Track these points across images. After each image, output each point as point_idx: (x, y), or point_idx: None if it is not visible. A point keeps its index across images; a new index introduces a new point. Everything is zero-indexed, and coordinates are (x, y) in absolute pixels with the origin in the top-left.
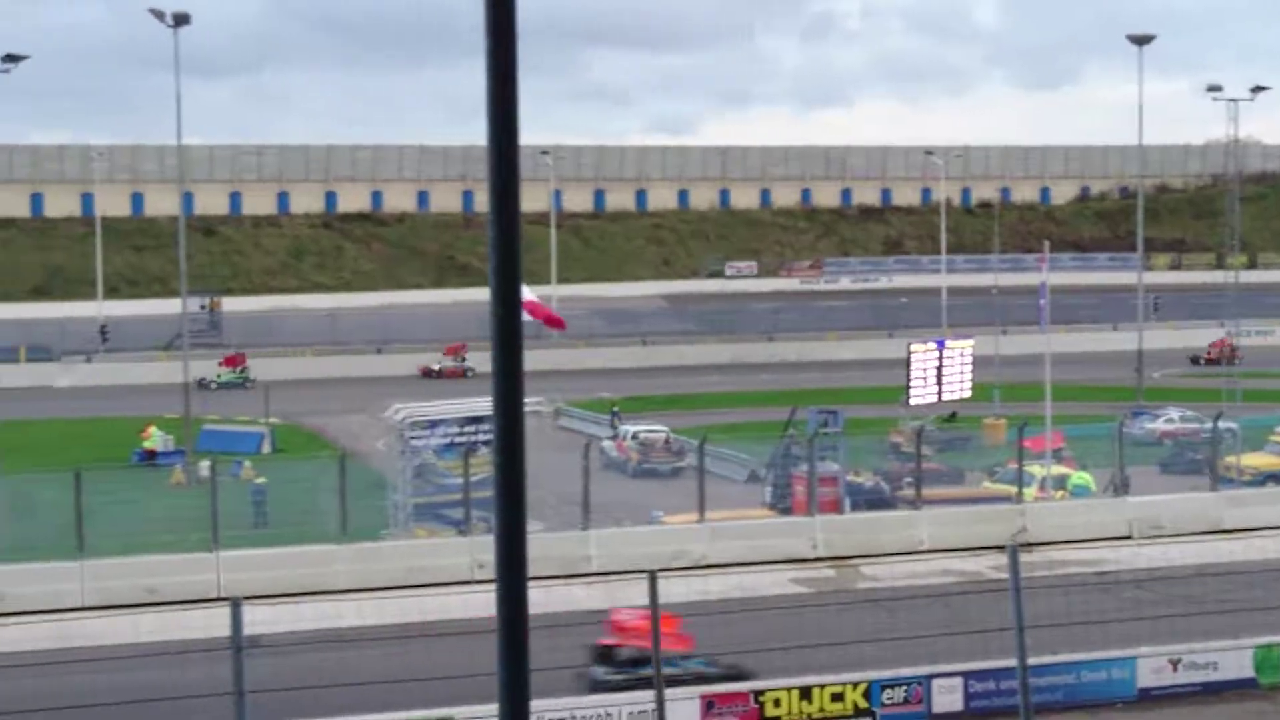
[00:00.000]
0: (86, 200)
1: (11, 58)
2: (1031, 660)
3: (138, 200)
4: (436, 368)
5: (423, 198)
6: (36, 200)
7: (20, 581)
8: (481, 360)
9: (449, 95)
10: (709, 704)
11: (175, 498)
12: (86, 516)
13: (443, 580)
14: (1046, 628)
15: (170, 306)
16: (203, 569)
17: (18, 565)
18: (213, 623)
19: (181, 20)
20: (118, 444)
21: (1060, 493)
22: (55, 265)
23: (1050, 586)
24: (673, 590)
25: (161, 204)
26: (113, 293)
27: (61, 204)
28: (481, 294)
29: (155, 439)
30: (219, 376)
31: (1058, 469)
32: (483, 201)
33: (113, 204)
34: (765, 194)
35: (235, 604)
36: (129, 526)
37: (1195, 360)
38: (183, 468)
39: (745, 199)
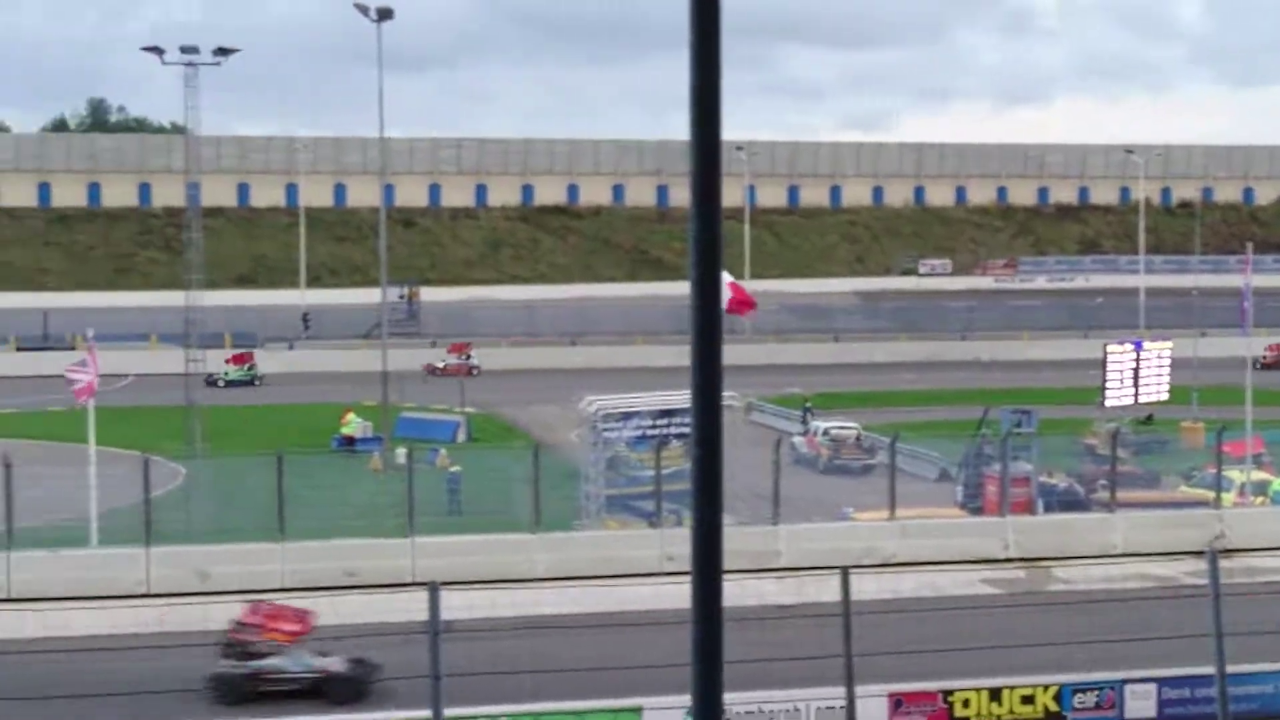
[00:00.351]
0: (291, 191)
1: (222, 51)
2: (1229, 669)
3: (340, 191)
4: (441, 365)
5: (618, 191)
6: (243, 190)
7: (224, 561)
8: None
9: (644, 89)
10: (897, 702)
11: (373, 483)
12: (287, 500)
13: (633, 571)
14: (1245, 636)
15: (370, 296)
16: (398, 554)
17: (222, 546)
18: (409, 606)
19: (385, 15)
20: (318, 430)
21: (1260, 499)
22: (260, 254)
23: (1249, 594)
24: (864, 587)
25: (363, 195)
26: (315, 282)
27: (267, 194)
28: (674, 288)
29: (354, 425)
30: (226, 374)
31: (1258, 474)
32: (677, 196)
33: (316, 195)
34: (960, 191)
35: (433, 589)
36: (328, 510)
37: None
38: (380, 454)
39: (940, 196)
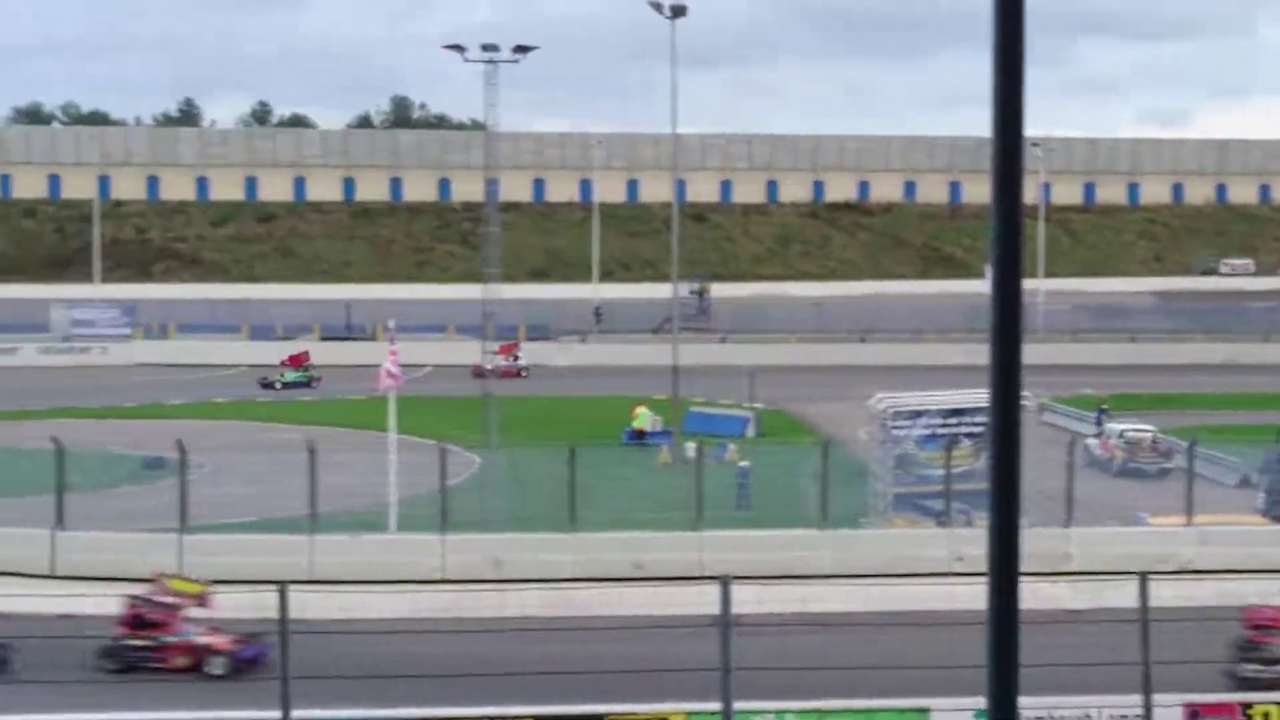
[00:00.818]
0: (585, 186)
1: (521, 49)
2: None
3: (633, 187)
4: (489, 367)
5: (909, 188)
6: (539, 186)
7: (517, 550)
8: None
9: (935, 85)
10: (1194, 713)
11: (662, 477)
12: (579, 491)
13: (920, 571)
14: None
15: (661, 291)
16: (686, 547)
17: (515, 535)
18: (696, 600)
19: (679, 12)
20: (609, 422)
21: None
22: (554, 249)
23: None
24: (1160, 594)
25: (655, 191)
26: (607, 276)
27: (562, 190)
28: (966, 286)
29: (644, 419)
30: (283, 376)
31: None
32: (970, 193)
33: (610, 190)
34: (1265, 189)
35: (724, 583)
36: (618, 502)
37: None
38: (670, 448)
39: (1243, 194)
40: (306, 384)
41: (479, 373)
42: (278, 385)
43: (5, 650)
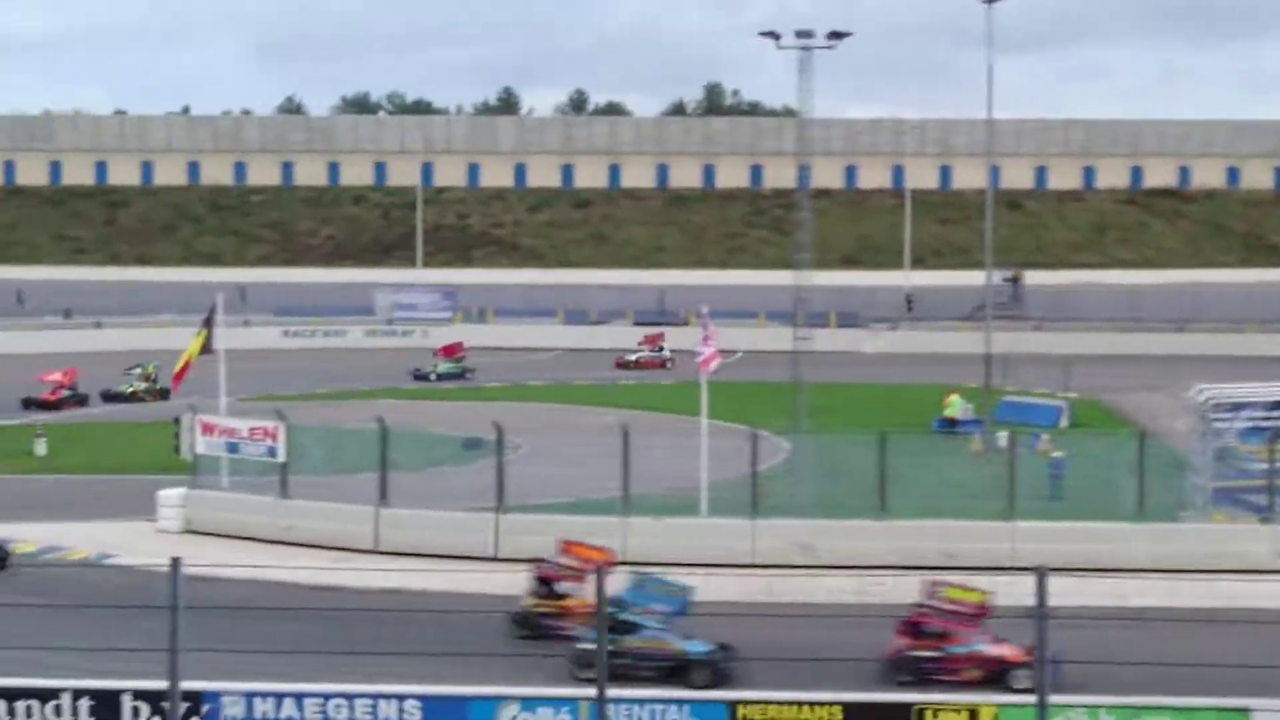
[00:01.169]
0: (897, 173)
1: (836, 35)
2: None
3: (945, 173)
4: (633, 358)
5: (1232, 174)
6: (850, 173)
7: (827, 536)
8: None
9: (1259, 68)
10: None
11: (973, 466)
12: (889, 479)
13: (1240, 567)
14: None
15: (973, 278)
16: (998, 537)
17: (825, 521)
18: (1008, 590)
19: None
20: (919, 410)
21: None
22: (865, 235)
23: None
24: None
25: (968, 177)
26: (918, 263)
27: (873, 176)
28: None
29: (956, 407)
30: (436, 367)
31: None
32: None
33: (921, 176)
34: None
35: (1041, 573)
36: (928, 491)
37: None
38: (981, 437)
39: None
40: (460, 375)
41: (622, 364)
42: (432, 377)
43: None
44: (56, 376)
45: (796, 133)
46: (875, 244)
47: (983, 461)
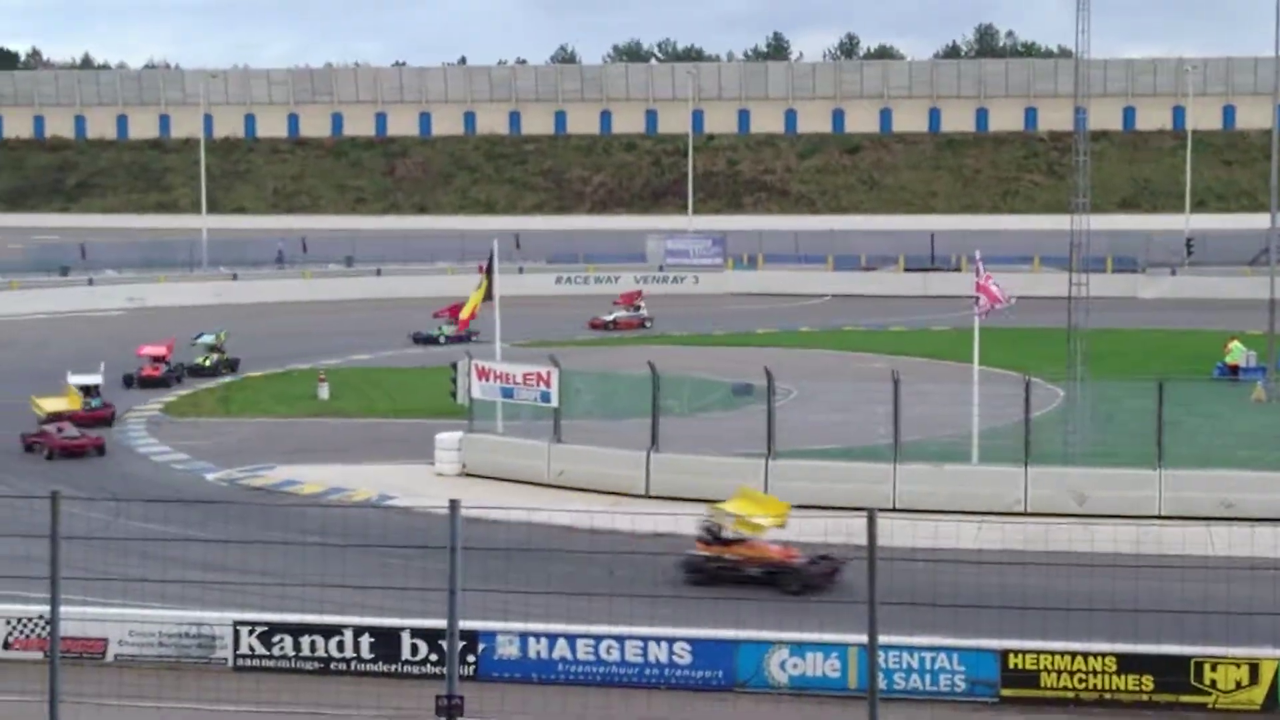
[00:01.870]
0: (1178, 113)
1: None
2: None
3: (1229, 113)
4: (610, 318)
5: None
6: (1129, 114)
7: (1101, 485)
8: None
9: None
10: None
11: (1255, 414)
12: (1167, 427)
13: None
14: None
15: (1257, 222)
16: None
17: (1098, 469)
18: None
19: None
20: (1199, 357)
21: None
22: (1144, 178)
23: None
24: None
25: (1253, 117)
26: (1199, 206)
27: (1153, 117)
28: None
29: (1237, 354)
30: (442, 329)
31: None
32: None
33: (1204, 117)
34: None
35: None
36: (1207, 440)
37: None
38: (1264, 384)
39: None
40: (466, 339)
41: (598, 325)
42: (441, 340)
43: None
44: (159, 351)
45: (1073, 74)
46: (1154, 187)
47: (1265, 410)
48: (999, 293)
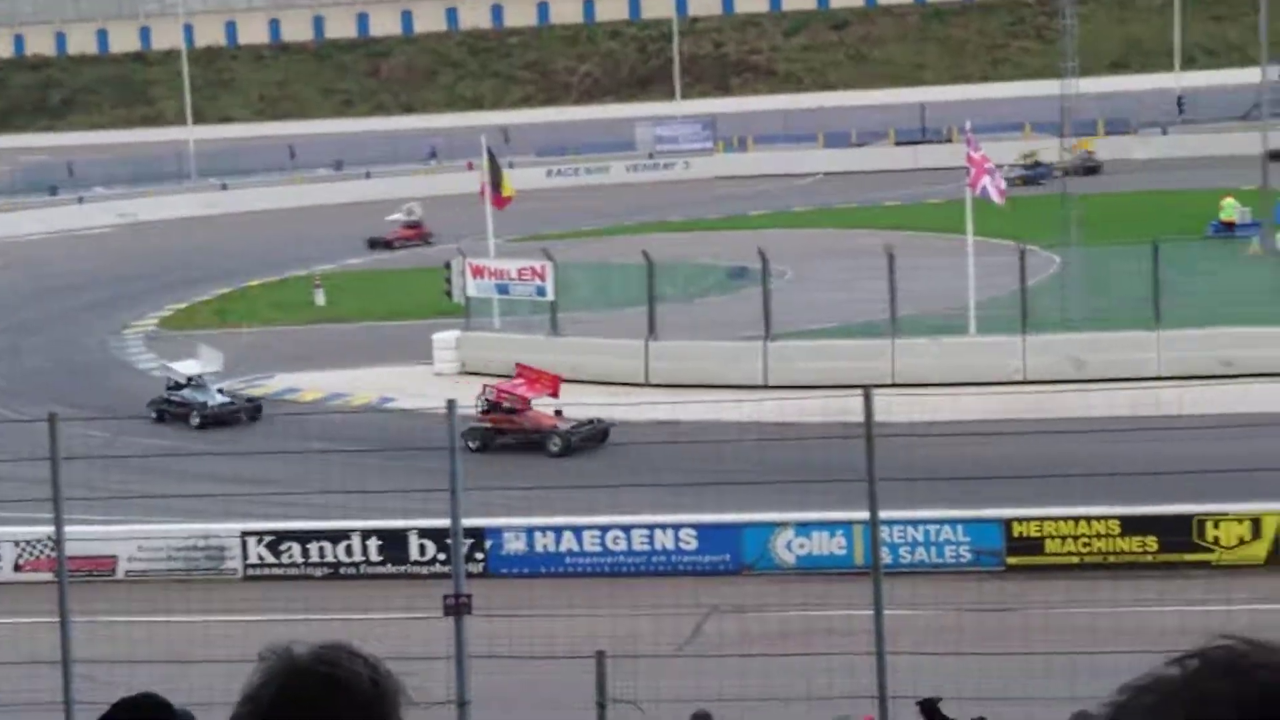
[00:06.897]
0: None
1: None
2: None
3: None
4: (389, 235)
5: None
6: None
7: (1098, 350)
8: None
9: None
10: None
11: (1251, 269)
12: (1162, 288)
13: None
14: None
15: (1248, 76)
16: (1277, 343)
17: (1096, 334)
18: None
19: None
20: (1193, 216)
21: None
22: (1134, 37)
23: None
24: None
25: None
26: (1189, 64)
27: None
28: None
29: (1231, 210)
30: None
31: None
32: None
33: None
34: None
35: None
36: (1204, 299)
37: None
38: (1259, 239)
39: None
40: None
41: (376, 243)
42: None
43: None
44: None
45: None
46: (1144, 47)
47: (1261, 264)
48: (995, 193)
